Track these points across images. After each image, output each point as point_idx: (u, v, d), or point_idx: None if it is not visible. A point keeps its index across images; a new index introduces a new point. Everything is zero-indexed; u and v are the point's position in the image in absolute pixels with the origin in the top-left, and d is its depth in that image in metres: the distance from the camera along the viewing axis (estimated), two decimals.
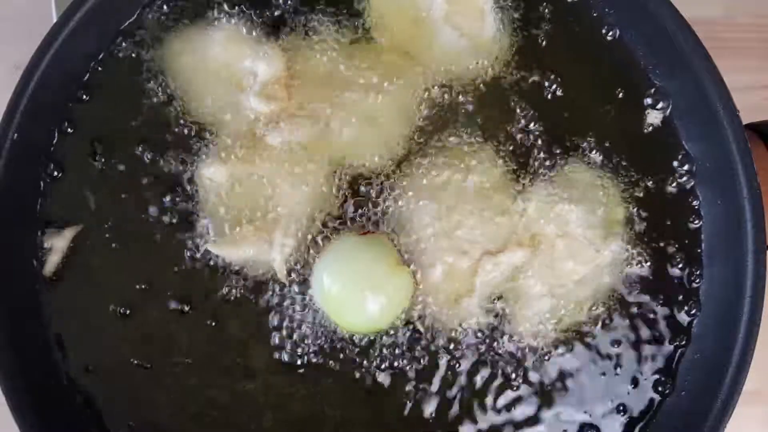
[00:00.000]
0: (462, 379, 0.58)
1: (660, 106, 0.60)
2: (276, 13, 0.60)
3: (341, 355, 0.57)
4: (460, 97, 0.59)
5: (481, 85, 0.59)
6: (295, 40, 0.59)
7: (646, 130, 0.60)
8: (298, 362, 0.57)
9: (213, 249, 0.57)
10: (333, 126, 0.57)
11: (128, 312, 0.58)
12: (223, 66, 0.58)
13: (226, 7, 0.59)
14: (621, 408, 0.58)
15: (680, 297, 0.59)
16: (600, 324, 0.58)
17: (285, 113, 0.57)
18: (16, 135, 0.56)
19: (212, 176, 0.57)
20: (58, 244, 0.58)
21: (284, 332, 0.57)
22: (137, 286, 0.58)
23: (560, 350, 0.58)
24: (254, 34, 0.59)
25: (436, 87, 0.59)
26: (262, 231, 0.56)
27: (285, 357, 0.57)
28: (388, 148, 0.58)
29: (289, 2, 0.60)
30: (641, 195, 0.59)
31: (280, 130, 0.57)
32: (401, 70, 0.59)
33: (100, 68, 0.60)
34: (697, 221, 0.59)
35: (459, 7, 0.59)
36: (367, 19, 0.60)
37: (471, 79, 0.59)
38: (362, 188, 0.58)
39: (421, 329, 0.57)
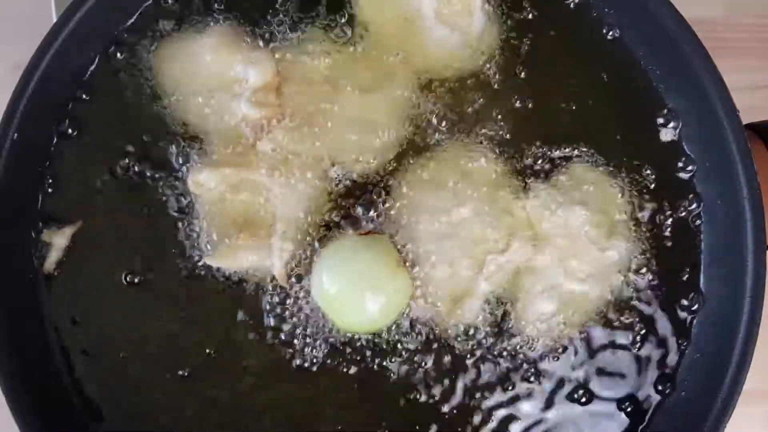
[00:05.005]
0: (463, 380, 0.58)
1: (660, 105, 0.60)
2: (266, 19, 0.59)
3: (341, 356, 0.57)
4: (456, 95, 0.59)
5: (478, 83, 0.59)
6: (285, 45, 0.59)
7: (645, 130, 0.60)
8: (298, 363, 0.57)
9: (210, 261, 0.57)
10: (326, 129, 0.57)
11: (128, 312, 0.58)
12: (215, 71, 0.58)
13: (218, 12, 0.59)
14: (621, 408, 0.58)
15: (680, 296, 0.59)
16: (601, 324, 0.58)
17: (277, 118, 0.57)
18: (16, 135, 0.56)
19: (204, 182, 0.56)
20: (57, 243, 0.58)
21: (284, 333, 0.57)
22: (136, 286, 0.58)
23: (562, 350, 0.58)
24: (245, 39, 0.59)
25: (431, 86, 0.59)
26: (259, 237, 0.56)
27: (285, 357, 0.57)
28: (384, 149, 0.58)
29: (279, 7, 0.60)
30: (642, 195, 0.59)
31: (272, 136, 0.57)
32: (393, 70, 0.59)
33: (100, 68, 0.60)
34: (697, 221, 0.59)
35: (450, 4, 0.59)
36: (356, 21, 0.60)
37: (466, 77, 0.59)
38: (360, 190, 0.58)
39: (423, 330, 0.58)
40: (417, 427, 0.58)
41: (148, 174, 0.58)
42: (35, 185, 0.59)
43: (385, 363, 0.57)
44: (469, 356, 0.58)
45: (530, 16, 0.60)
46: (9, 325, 0.56)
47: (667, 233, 0.59)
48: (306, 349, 0.57)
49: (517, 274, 0.58)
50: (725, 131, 0.56)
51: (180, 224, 0.58)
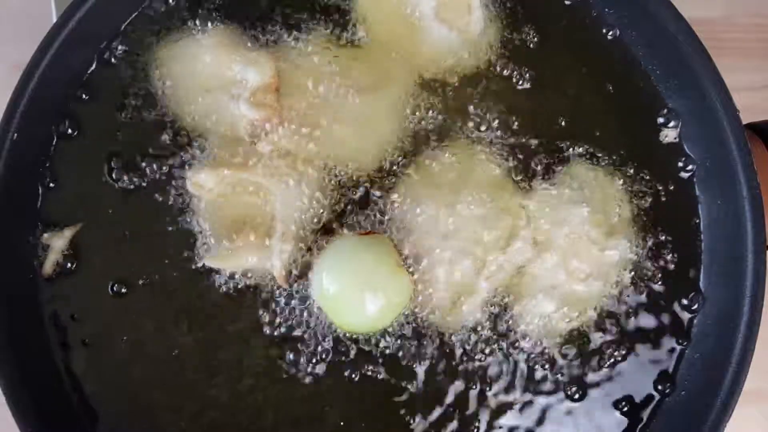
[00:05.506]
0: (462, 378, 0.58)
1: (660, 105, 0.60)
2: (266, 19, 0.59)
3: (341, 356, 0.57)
4: (456, 95, 0.59)
5: (477, 83, 0.59)
6: (284, 46, 0.59)
7: (645, 130, 0.60)
8: (298, 362, 0.57)
9: (210, 262, 0.57)
10: (325, 130, 0.57)
11: (127, 312, 0.58)
12: (214, 72, 0.58)
13: (217, 13, 0.59)
14: (621, 408, 0.58)
15: (680, 297, 0.59)
16: (602, 324, 0.58)
17: (276, 119, 0.57)
18: (16, 135, 0.56)
19: (203, 182, 0.56)
20: (57, 244, 0.58)
21: (284, 333, 0.57)
22: (136, 287, 0.58)
23: (563, 350, 0.58)
24: (244, 40, 0.59)
25: (430, 85, 0.59)
26: (258, 238, 0.56)
27: (284, 358, 0.57)
28: (382, 149, 0.58)
29: (278, 8, 0.60)
30: (642, 195, 0.59)
31: (271, 137, 0.57)
32: (392, 70, 0.59)
33: (100, 68, 0.60)
34: (697, 221, 0.59)
35: (449, 3, 0.59)
36: (355, 22, 0.60)
37: (465, 76, 0.59)
38: (359, 190, 0.58)
39: (423, 329, 0.57)
40: (419, 428, 0.58)
41: (148, 174, 0.58)
42: (35, 185, 0.59)
43: (384, 363, 0.57)
44: (469, 355, 0.58)
45: (530, 15, 0.60)
46: (9, 325, 0.56)
47: (667, 233, 0.59)
48: (306, 350, 0.57)
49: (518, 273, 0.58)
50: (725, 131, 0.56)
51: (179, 225, 0.58)
